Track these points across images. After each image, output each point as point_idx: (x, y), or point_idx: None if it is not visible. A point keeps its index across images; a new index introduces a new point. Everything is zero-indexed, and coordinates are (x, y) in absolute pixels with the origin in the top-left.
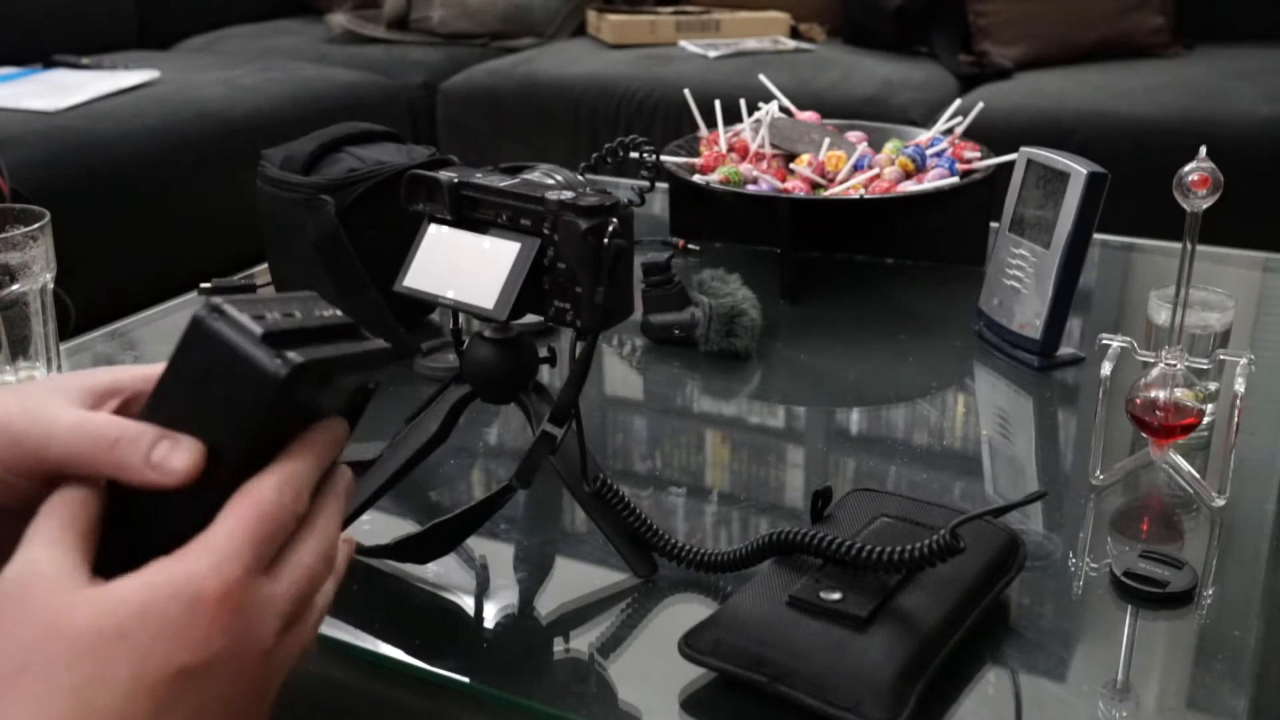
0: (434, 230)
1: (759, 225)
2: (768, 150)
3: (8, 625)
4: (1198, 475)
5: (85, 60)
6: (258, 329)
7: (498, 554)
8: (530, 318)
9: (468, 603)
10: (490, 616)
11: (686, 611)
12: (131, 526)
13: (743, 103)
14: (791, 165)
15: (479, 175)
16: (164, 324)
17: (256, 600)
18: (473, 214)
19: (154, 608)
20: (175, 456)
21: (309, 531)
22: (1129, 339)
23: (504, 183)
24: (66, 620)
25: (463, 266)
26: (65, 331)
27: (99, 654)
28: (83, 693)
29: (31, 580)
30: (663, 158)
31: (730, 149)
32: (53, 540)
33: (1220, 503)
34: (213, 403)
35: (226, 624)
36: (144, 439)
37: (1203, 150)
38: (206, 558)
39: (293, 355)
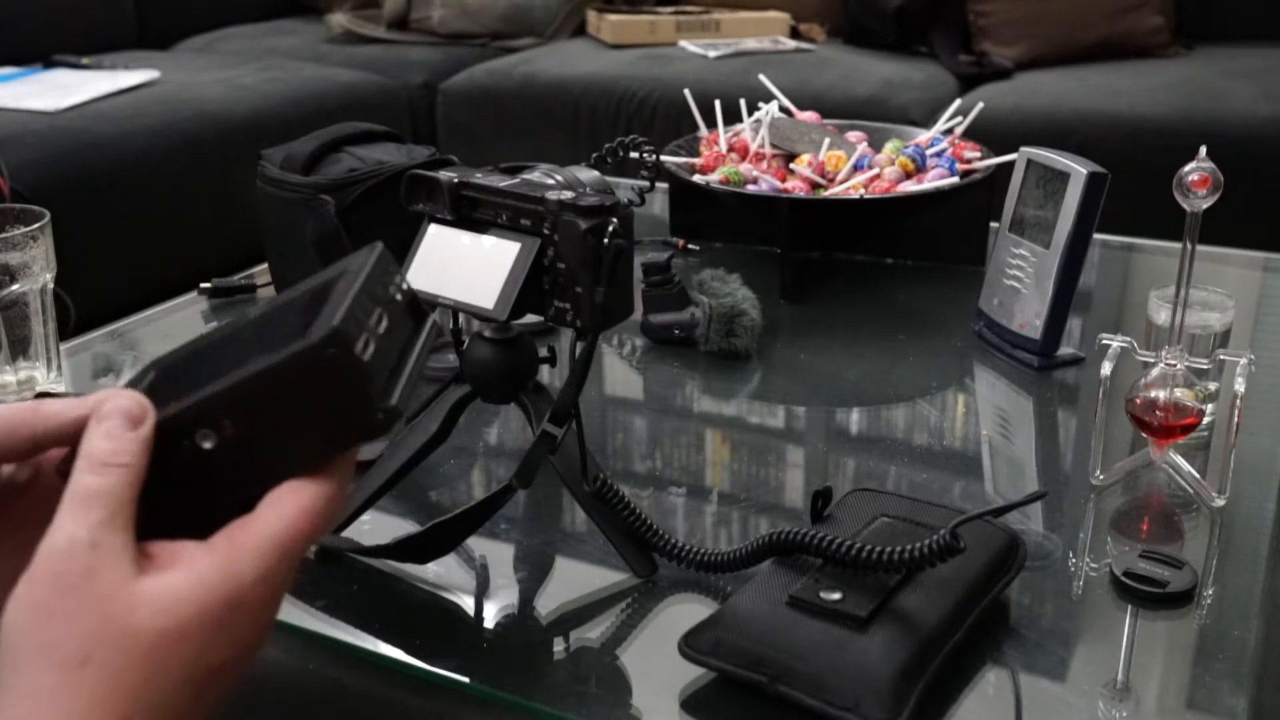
0: (434, 230)
1: (759, 225)
2: (768, 150)
3: (70, 612)
4: (1198, 475)
5: (85, 60)
6: (381, 371)
7: (498, 554)
8: (530, 318)
9: (468, 603)
10: (490, 616)
11: (686, 611)
12: (171, 490)
13: (743, 103)
14: (791, 165)
15: (479, 175)
16: (164, 324)
17: (283, 595)
18: (473, 214)
19: (208, 611)
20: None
21: None
22: (1129, 339)
23: (504, 183)
24: (130, 618)
25: (463, 266)
26: (65, 331)
27: (159, 654)
28: (141, 690)
29: (90, 567)
30: (663, 158)
31: (730, 149)
32: (105, 521)
33: (1220, 503)
34: (300, 412)
35: (260, 624)
36: (72, 397)
37: (1203, 150)
38: (257, 564)
39: (399, 404)
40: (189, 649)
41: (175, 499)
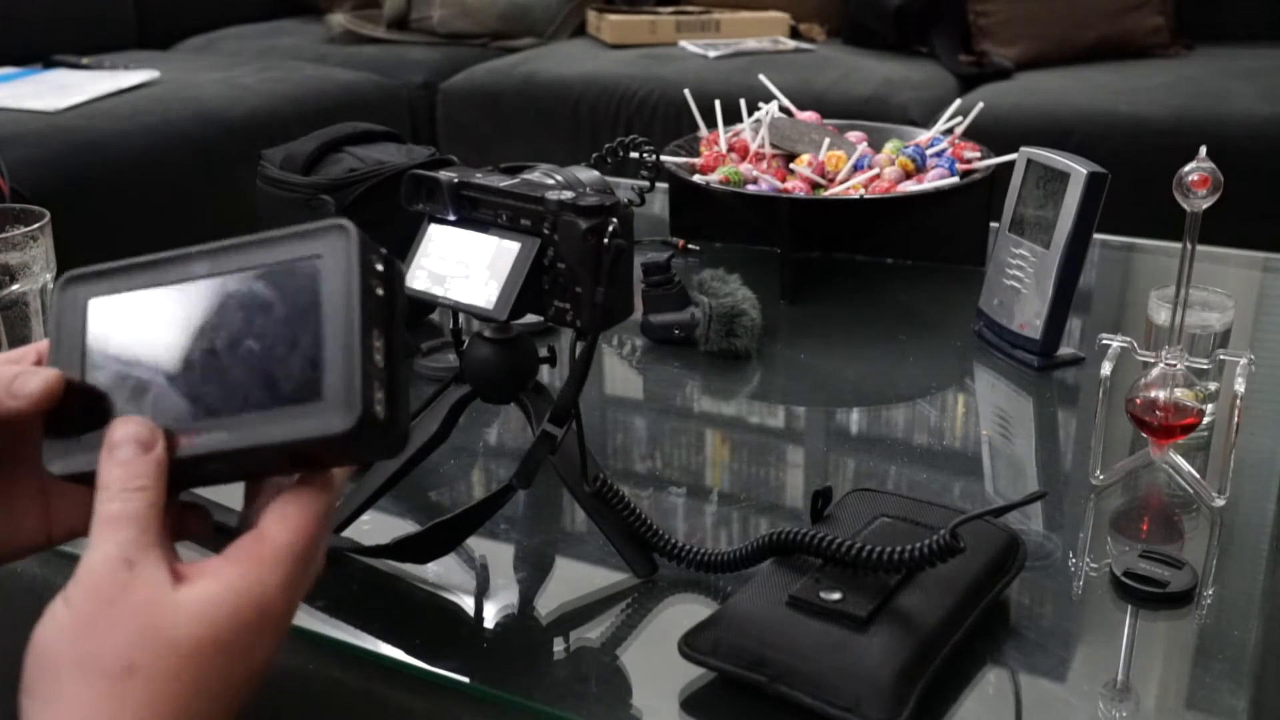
0: (434, 230)
1: (759, 225)
2: (768, 150)
3: (112, 623)
4: (1198, 475)
5: (85, 60)
6: (390, 401)
7: (498, 554)
8: (530, 318)
9: (468, 603)
10: (490, 616)
11: (686, 611)
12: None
13: (743, 103)
14: (791, 165)
15: (479, 175)
16: None
17: (299, 602)
18: (473, 214)
19: (242, 619)
20: (30, 382)
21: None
22: (1129, 339)
23: (504, 183)
24: (172, 627)
25: (463, 266)
26: None
27: (200, 662)
28: (185, 699)
29: (128, 581)
30: (663, 158)
31: (730, 149)
32: (135, 539)
33: (1220, 503)
34: (315, 457)
35: (284, 630)
36: (4, 374)
37: (1203, 150)
38: (279, 572)
39: (404, 423)
40: (226, 657)
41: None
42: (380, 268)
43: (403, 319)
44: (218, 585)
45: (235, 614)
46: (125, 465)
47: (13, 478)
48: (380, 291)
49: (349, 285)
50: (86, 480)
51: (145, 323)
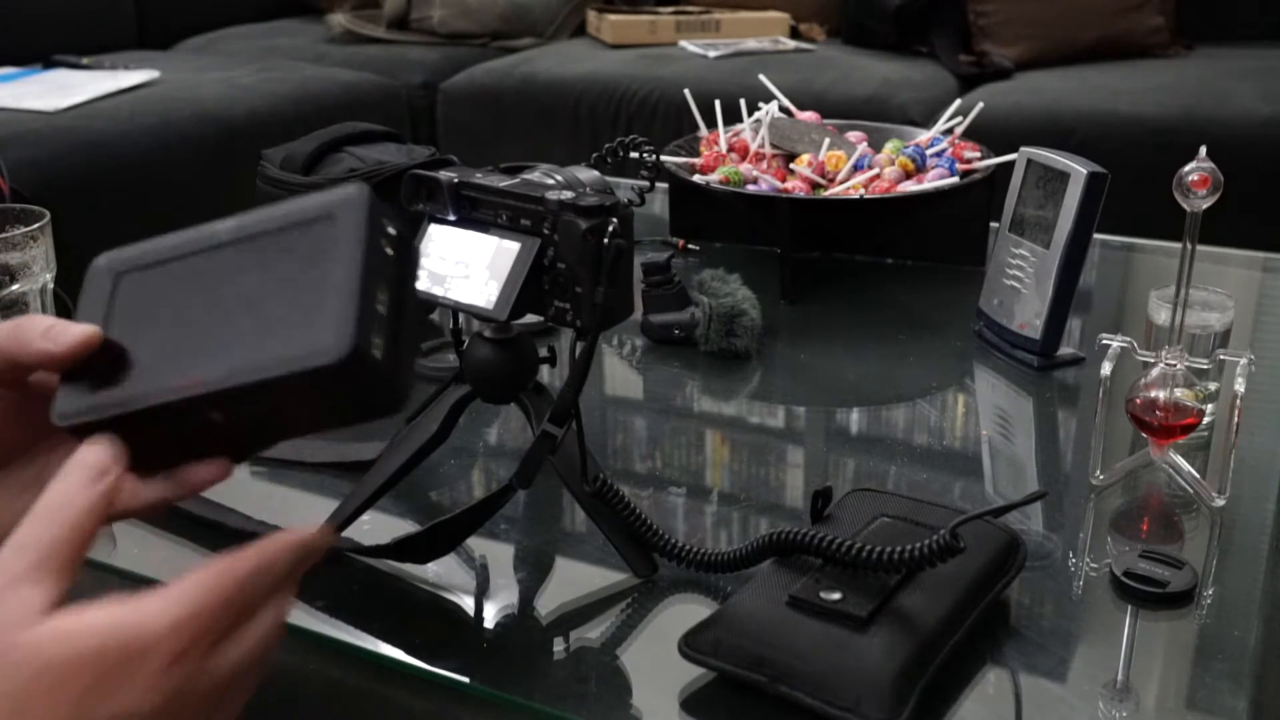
0: (434, 230)
1: (759, 225)
2: (768, 150)
3: None
4: (1198, 475)
5: (85, 60)
6: (389, 356)
7: (498, 554)
8: (530, 318)
9: (468, 603)
10: (490, 616)
11: (686, 611)
12: (177, 439)
13: (743, 103)
14: (791, 165)
15: (479, 175)
16: None
17: (203, 668)
18: (473, 214)
19: (107, 653)
20: (68, 331)
21: (267, 609)
22: (1129, 339)
23: (504, 183)
24: (19, 648)
25: (463, 266)
26: None
27: (41, 686)
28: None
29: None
30: (663, 158)
31: (730, 149)
32: (31, 566)
33: (1220, 503)
34: (311, 402)
35: (166, 686)
36: (42, 321)
37: (1203, 150)
38: (169, 615)
39: (404, 384)
40: (74, 688)
41: (180, 445)
42: (391, 231)
43: (413, 297)
44: (95, 616)
45: (100, 643)
46: (64, 493)
47: (50, 445)
48: (389, 251)
49: (355, 234)
50: (90, 431)
51: (166, 286)
